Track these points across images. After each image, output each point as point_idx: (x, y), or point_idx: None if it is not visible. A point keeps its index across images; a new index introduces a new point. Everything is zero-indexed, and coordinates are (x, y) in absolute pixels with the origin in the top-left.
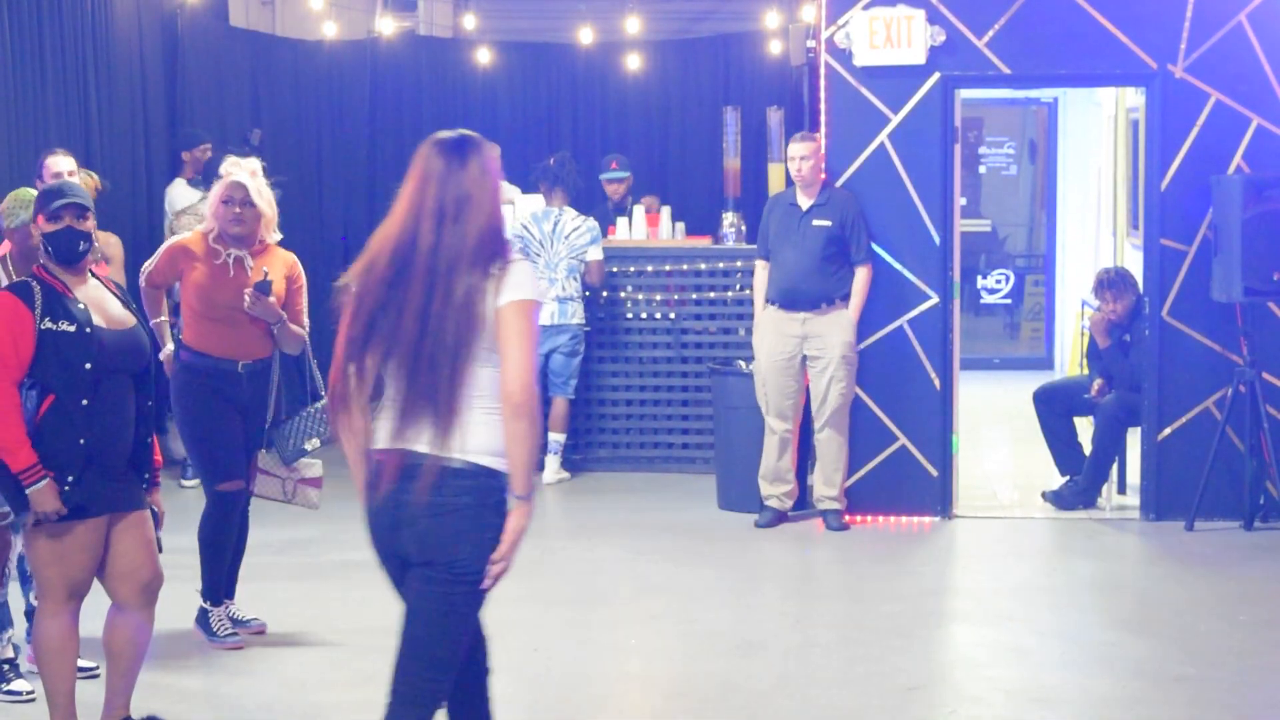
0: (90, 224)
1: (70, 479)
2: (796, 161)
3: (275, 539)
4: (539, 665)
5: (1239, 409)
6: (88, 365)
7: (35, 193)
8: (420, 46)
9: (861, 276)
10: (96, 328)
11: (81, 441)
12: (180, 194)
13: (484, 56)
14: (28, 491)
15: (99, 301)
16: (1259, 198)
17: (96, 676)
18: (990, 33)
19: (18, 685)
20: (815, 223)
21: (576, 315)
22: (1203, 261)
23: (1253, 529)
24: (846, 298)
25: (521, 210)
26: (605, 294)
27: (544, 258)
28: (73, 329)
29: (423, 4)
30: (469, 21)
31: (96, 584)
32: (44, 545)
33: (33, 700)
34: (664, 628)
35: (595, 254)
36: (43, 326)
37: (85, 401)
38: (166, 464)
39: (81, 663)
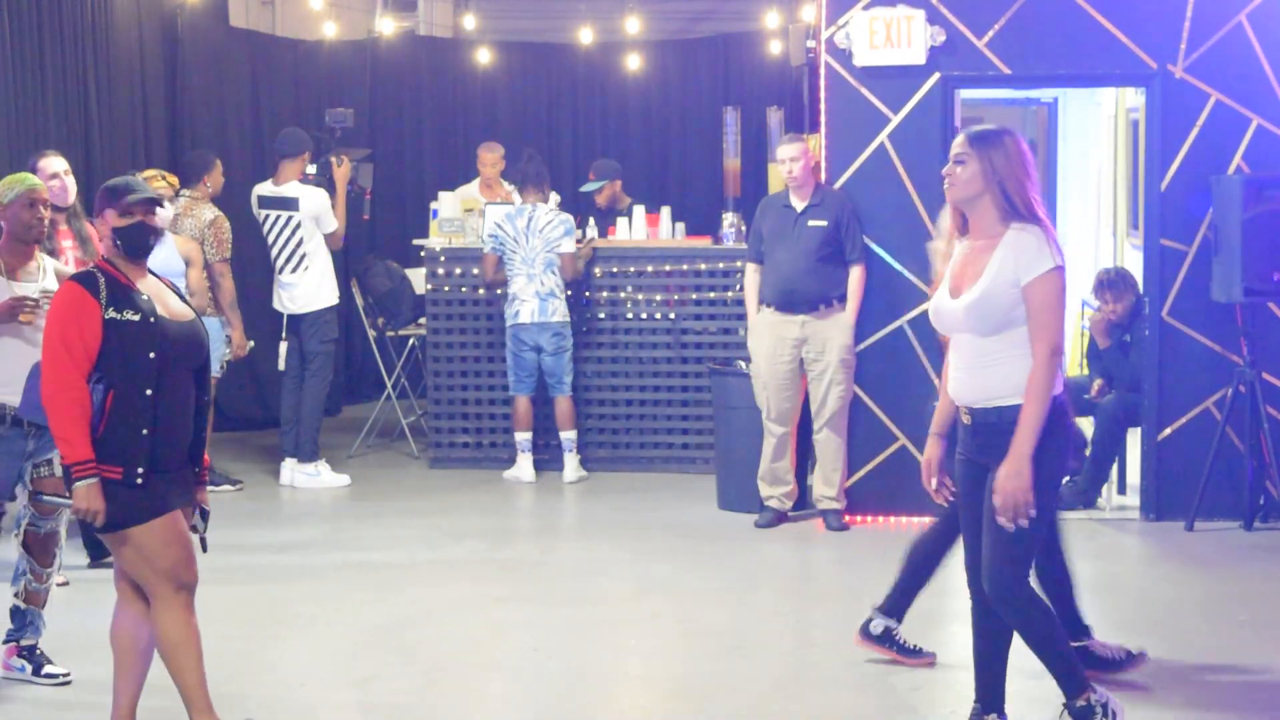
0: (158, 219)
1: (140, 471)
2: (787, 164)
3: (275, 539)
4: (539, 665)
5: (1239, 409)
6: (151, 355)
7: (31, 175)
8: (420, 46)
9: (856, 276)
10: (160, 318)
11: (145, 432)
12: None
13: (484, 56)
14: (75, 485)
15: (159, 294)
16: (1259, 198)
17: (68, 683)
18: (990, 33)
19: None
20: (811, 223)
21: (559, 312)
22: (1203, 261)
23: (1252, 529)
24: (843, 299)
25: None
26: (587, 292)
27: (520, 255)
28: (137, 318)
29: (423, 4)
30: (469, 21)
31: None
32: (129, 551)
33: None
34: (664, 628)
35: (567, 246)
36: (108, 316)
37: (149, 392)
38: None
39: (52, 669)
